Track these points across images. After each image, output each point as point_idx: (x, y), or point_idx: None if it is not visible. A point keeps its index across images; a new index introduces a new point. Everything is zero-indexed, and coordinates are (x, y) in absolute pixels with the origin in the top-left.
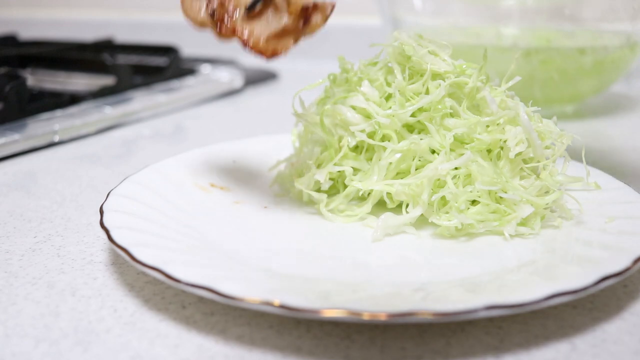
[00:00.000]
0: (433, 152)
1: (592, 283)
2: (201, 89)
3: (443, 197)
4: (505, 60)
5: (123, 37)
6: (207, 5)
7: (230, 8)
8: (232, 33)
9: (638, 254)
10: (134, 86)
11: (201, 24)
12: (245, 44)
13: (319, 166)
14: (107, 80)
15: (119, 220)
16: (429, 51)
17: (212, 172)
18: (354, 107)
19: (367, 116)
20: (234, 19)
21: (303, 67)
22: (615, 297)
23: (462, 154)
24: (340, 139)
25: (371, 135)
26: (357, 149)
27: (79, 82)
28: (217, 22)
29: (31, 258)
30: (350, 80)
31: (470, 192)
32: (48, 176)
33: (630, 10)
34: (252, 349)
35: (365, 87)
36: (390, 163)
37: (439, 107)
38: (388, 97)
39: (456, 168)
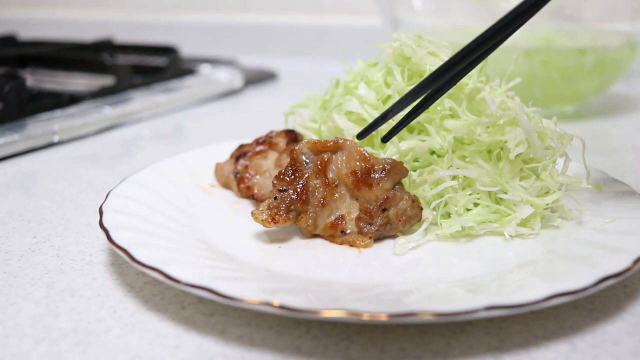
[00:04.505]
0: (432, 153)
1: (592, 283)
2: (201, 89)
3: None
4: (505, 60)
5: (123, 37)
6: (234, 168)
7: (251, 172)
8: (248, 190)
9: (638, 254)
10: (133, 86)
11: (225, 182)
12: (255, 199)
13: None
14: (107, 80)
15: (118, 221)
16: (428, 52)
17: (212, 172)
18: (349, 112)
19: (363, 120)
20: (250, 181)
21: (303, 66)
22: (615, 297)
23: (462, 155)
24: None
25: (371, 137)
26: None
27: (79, 82)
28: (238, 182)
29: (30, 258)
30: (347, 85)
31: (470, 195)
32: (48, 176)
33: (630, 10)
34: (252, 350)
35: (362, 89)
36: None
37: (439, 108)
38: (387, 99)
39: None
